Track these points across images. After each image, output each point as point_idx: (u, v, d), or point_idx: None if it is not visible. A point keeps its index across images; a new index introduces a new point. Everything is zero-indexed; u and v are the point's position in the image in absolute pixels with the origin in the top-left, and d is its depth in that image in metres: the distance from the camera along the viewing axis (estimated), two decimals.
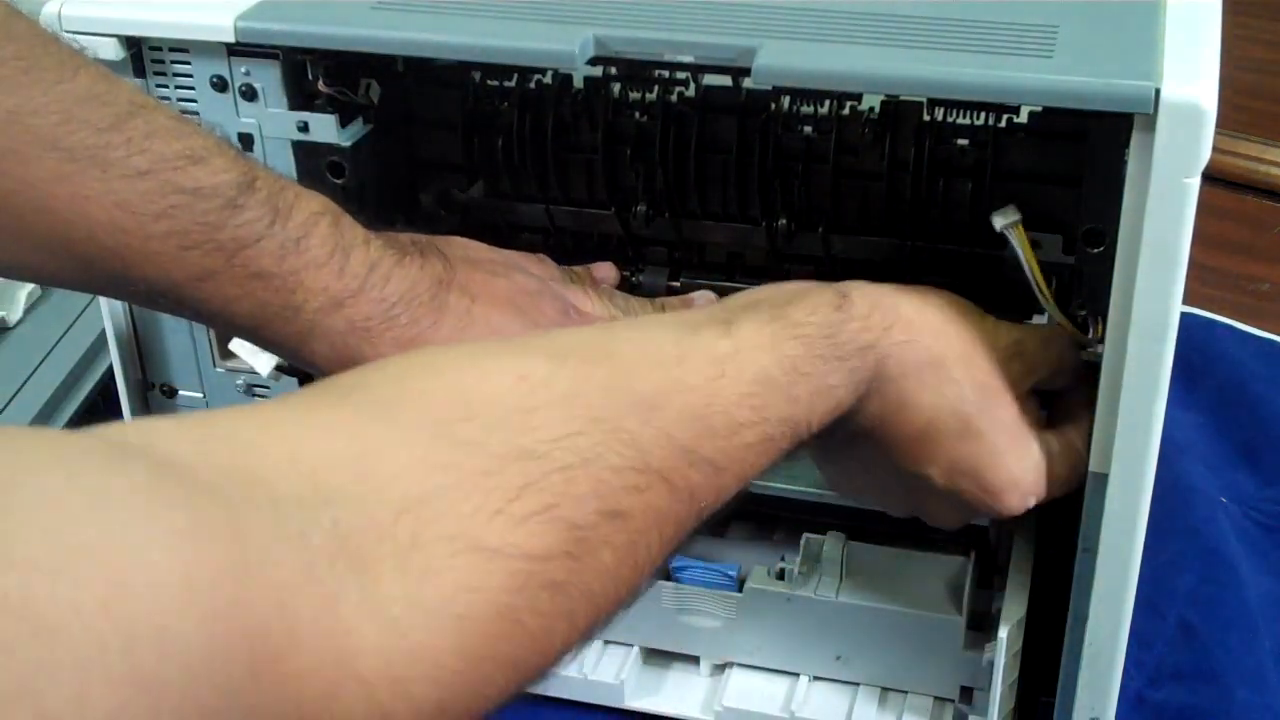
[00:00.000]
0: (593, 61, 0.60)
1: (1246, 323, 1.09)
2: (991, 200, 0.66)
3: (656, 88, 0.69)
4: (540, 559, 0.42)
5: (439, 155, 0.72)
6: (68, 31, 0.65)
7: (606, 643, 0.77)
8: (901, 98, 0.66)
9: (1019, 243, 0.62)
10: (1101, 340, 0.60)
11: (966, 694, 0.72)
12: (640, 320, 0.64)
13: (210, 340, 0.74)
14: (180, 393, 0.76)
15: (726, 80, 0.68)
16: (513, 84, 0.71)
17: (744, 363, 0.51)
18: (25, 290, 1.11)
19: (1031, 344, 0.61)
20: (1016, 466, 0.60)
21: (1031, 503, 0.61)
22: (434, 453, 0.42)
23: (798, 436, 0.52)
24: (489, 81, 0.71)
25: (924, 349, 0.57)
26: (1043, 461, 0.61)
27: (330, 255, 0.57)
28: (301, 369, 0.73)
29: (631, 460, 0.46)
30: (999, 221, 0.62)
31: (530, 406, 0.45)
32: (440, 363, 0.47)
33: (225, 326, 0.59)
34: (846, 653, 0.73)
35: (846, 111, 0.67)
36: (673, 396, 0.48)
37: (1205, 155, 0.53)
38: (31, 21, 0.55)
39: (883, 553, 0.72)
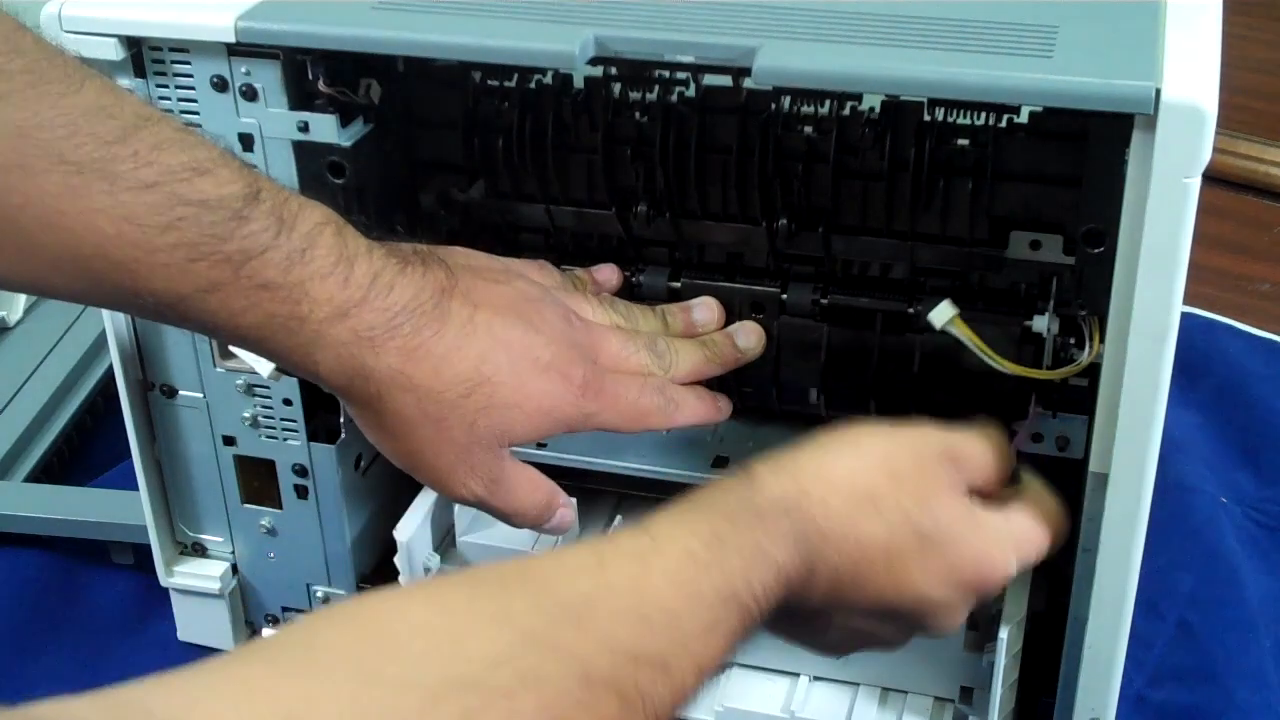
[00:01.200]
0: (593, 61, 0.60)
1: (1246, 323, 1.09)
2: (992, 200, 0.66)
3: (656, 88, 0.69)
4: None
5: (439, 155, 0.72)
6: (68, 32, 0.65)
7: None
8: (902, 98, 0.66)
9: (962, 334, 0.64)
10: (1101, 341, 0.60)
11: (966, 694, 0.72)
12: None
13: (210, 341, 0.74)
14: (180, 393, 0.76)
15: (726, 80, 0.68)
16: (513, 84, 0.71)
17: (664, 549, 0.50)
18: None
19: (963, 445, 0.59)
20: (988, 547, 0.58)
21: (1016, 568, 0.59)
22: (364, 703, 0.40)
23: (746, 613, 0.50)
24: (489, 81, 0.71)
25: (847, 487, 0.55)
26: (1009, 528, 0.59)
27: (334, 265, 0.57)
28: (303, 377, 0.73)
29: (575, 675, 0.44)
30: (937, 320, 0.64)
31: (458, 634, 0.43)
32: (351, 607, 0.45)
33: (231, 338, 0.59)
34: None
35: (846, 111, 0.67)
36: (601, 599, 0.47)
37: (1205, 155, 0.53)
38: (38, 35, 0.55)
39: None
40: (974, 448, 0.59)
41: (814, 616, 0.56)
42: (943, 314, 0.65)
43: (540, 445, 0.78)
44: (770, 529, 0.52)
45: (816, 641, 0.59)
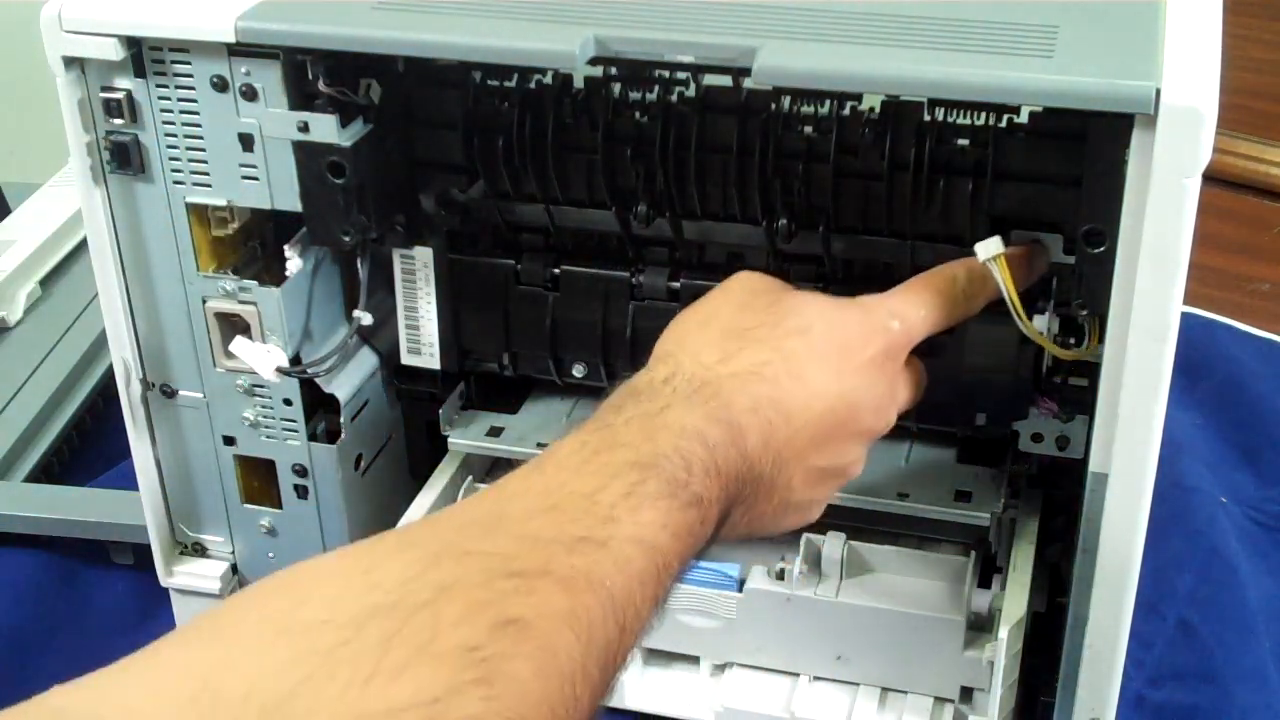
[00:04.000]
0: (593, 61, 0.60)
1: (1246, 323, 1.09)
2: (992, 200, 0.66)
3: (656, 88, 0.69)
4: (440, 699, 0.38)
5: (439, 155, 0.72)
6: (68, 32, 0.65)
7: None
8: (902, 98, 0.66)
9: (1000, 274, 0.62)
10: (1101, 340, 0.60)
11: (966, 694, 0.72)
12: None
13: (210, 341, 0.74)
14: (180, 393, 0.76)
15: (726, 80, 0.68)
16: (513, 84, 0.71)
17: (554, 452, 0.49)
18: (25, 290, 1.11)
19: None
20: (859, 311, 0.59)
21: (899, 325, 0.60)
22: (279, 650, 0.39)
23: (674, 482, 0.48)
24: (489, 81, 0.71)
25: (711, 335, 0.55)
26: (875, 298, 0.60)
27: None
28: (304, 376, 0.73)
29: (497, 570, 0.42)
30: (983, 252, 0.62)
31: (365, 568, 0.42)
32: (261, 580, 0.45)
33: None
34: (846, 653, 0.73)
35: (846, 111, 0.67)
36: (506, 507, 0.46)
37: (1205, 155, 0.53)
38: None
39: (883, 552, 0.72)
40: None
41: (771, 480, 0.54)
42: (990, 247, 0.62)
43: (541, 445, 0.78)
44: (656, 399, 0.52)
45: (794, 517, 0.58)
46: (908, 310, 0.60)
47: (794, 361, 0.55)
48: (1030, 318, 0.67)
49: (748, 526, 0.55)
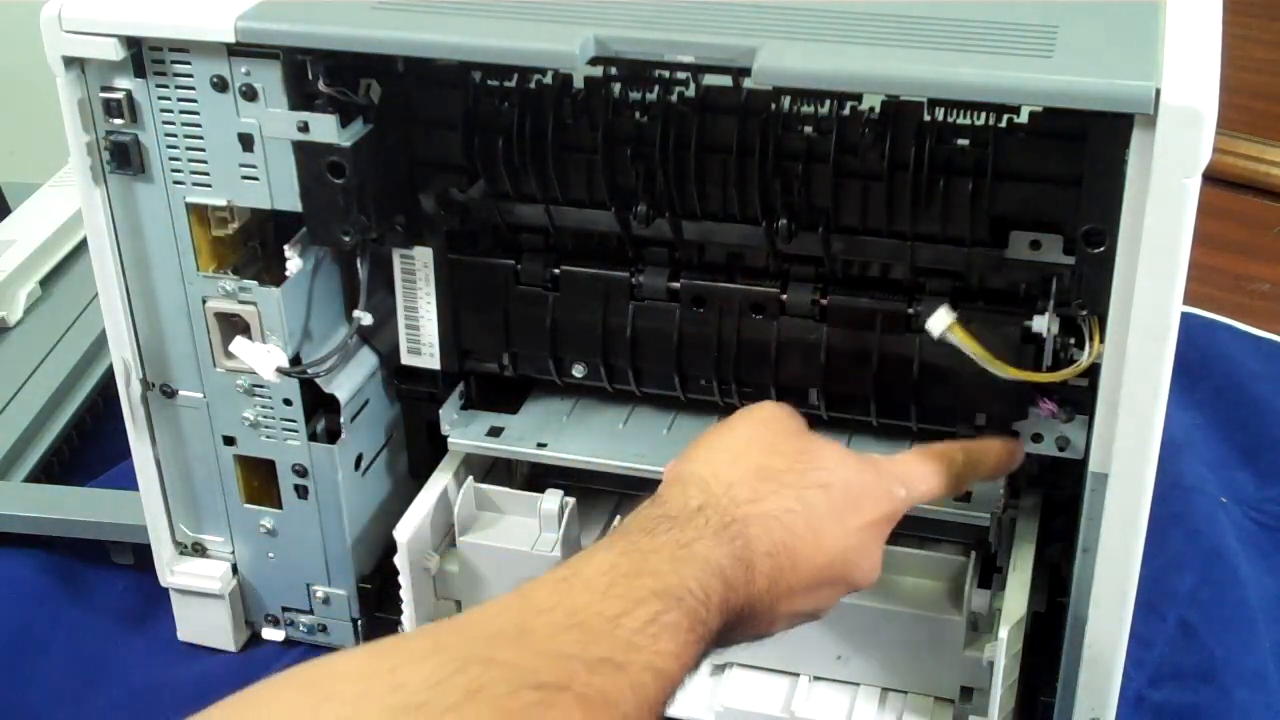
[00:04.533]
0: (593, 61, 0.60)
1: (1246, 323, 1.09)
2: (992, 200, 0.66)
3: (656, 88, 0.69)
4: None
5: (439, 155, 0.72)
6: (68, 32, 0.65)
7: None
8: (901, 98, 0.66)
9: (960, 340, 0.65)
10: (1102, 341, 0.60)
11: (966, 694, 0.72)
12: None
13: (210, 341, 0.74)
14: (180, 393, 0.76)
15: (726, 80, 0.68)
16: (513, 84, 0.71)
17: (584, 570, 0.51)
18: (25, 290, 1.11)
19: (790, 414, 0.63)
20: (876, 479, 0.61)
21: (905, 496, 0.62)
22: None
23: (690, 611, 0.51)
24: (489, 81, 0.71)
25: (741, 472, 0.57)
26: (889, 462, 0.62)
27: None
28: (304, 376, 0.73)
29: (522, 681, 0.44)
30: (935, 328, 0.65)
31: (392, 669, 0.44)
32: (292, 670, 0.45)
33: None
34: (846, 653, 0.73)
35: (846, 111, 0.67)
36: (533, 620, 0.48)
37: (1205, 155, 0.53)
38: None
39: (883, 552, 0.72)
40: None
41: (762, 616, 0.56)
42: (940, 321, 0.66)
43: (541, 445, 0.78)
44: (688, 528, 0.54)
45: (763, 636, 0.60)
46: (914, 481, 0.63)
47: (813, 514, 0.58)
48: (1031, 319, 0.67)
49: (727, 644, 0.57)
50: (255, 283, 0.72)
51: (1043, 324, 0.67)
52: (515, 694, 0.44)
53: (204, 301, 0.73)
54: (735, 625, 0.55)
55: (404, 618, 0.78)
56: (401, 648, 0.46)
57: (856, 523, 0.59)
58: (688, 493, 0.56)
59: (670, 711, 0.74)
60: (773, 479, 0.58)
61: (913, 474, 0.63)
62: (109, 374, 1.00)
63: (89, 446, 1.03)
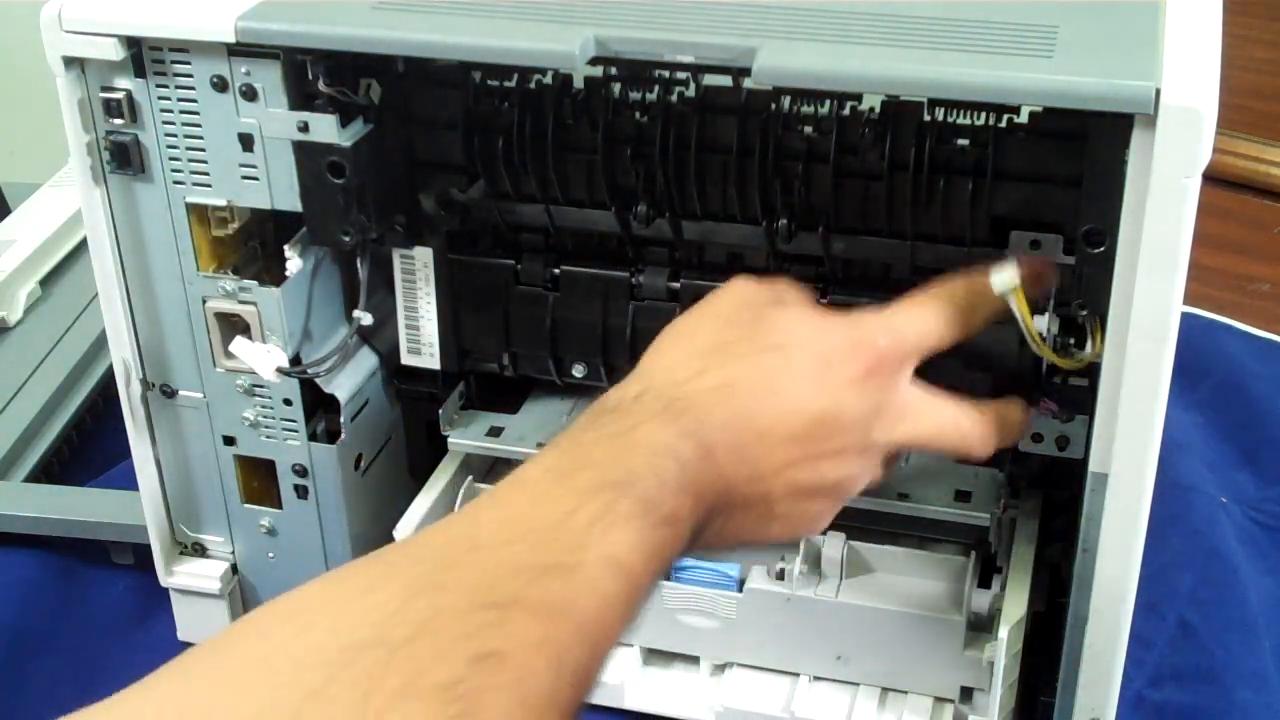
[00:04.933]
0: (593, 61, 0.60)
1: (1246, 323, 1.09)
2: (992, 200, 0.66)
3: (656, 88, 0.69)
4: None
5: (439, 155, 0.72)
6: (68, 32, 0.65)
7: None
8: (901, 98, 0.66)
9: (1018, 307, 0.61)
10: (1102, 340, 0.60)
11: (966, 694, 0.72)
12: None
13: (210, 341, 0.74)
14: (180, 393, 0.76)
15: (726, 80, 0.68)
16: (513, 84, 0.71)
17: (524, 476, 0.49)
18: (25, 290, 1.11)
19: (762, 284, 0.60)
20: (850, 328, 0.58)
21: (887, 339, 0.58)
22: (262, 691, 0.40)
23: (646, 502, 0.48)
24: (489, 81, 0.71)
25: (683, 353, 0.55)
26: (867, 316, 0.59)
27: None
28: (304, 376, 0.73)
29: (471, 603, 0.43)
30: (999, 285, 0.61)
31: (346, 601, 0.43)
32: (257, 609, 0.45)
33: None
34: (846, 653, 0.73)
35: (846, 111, 0.67)
36: (478, 534, 0.46)
37: (1205, 155, 0.53)
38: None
39: (883, 552, 0.72)
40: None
41: (747, 496, 0.53)
42: (1005, 279, 0.61)
43: (541, 445, 0.78)
44: (628, 416, 0.51)
45: (780, 529, 0.56)
46: (901, 326, 0.59)
47: (770, 376, 0.54)
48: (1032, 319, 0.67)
49: (733, 537, 0.54)
50: (255, 283, 0.72)
51: (1043, 324, 0.67)
52: (465, 617, 0.42)
53: (204, 301, 0.73)
54: (716, 507, 0.52)
55: None
56: (354, 578, 0.45)
57: (833, 379, 0.55)
58: (627, 385, 0.54)
59: (670, 711, 0.75)
60: (720, 351, 0.55)
61: (901, 322, 0.59)
62: (109, 374, 1.00)
63: (89, 446, 1.02)
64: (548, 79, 0.71)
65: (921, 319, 0.60)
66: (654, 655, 0.77)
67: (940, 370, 0.70)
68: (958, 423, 0.62)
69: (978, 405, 0.63)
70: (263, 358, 0.72)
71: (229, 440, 0.77)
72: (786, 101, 0.68)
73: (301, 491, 0.77)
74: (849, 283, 0.72)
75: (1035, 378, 0.70)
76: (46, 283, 1.14)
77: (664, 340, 0.57)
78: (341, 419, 0.76)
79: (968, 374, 0.70)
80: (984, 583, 0.74)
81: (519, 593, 0.44)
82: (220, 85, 0.67)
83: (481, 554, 0.45)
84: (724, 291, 0.60)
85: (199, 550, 0.81)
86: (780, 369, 0.55)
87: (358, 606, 0.43)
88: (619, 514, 0.47)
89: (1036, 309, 0.67)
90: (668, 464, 0.50)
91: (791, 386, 0.54)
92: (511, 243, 0.76)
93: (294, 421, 0.75)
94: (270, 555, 0.80)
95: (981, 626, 0.71)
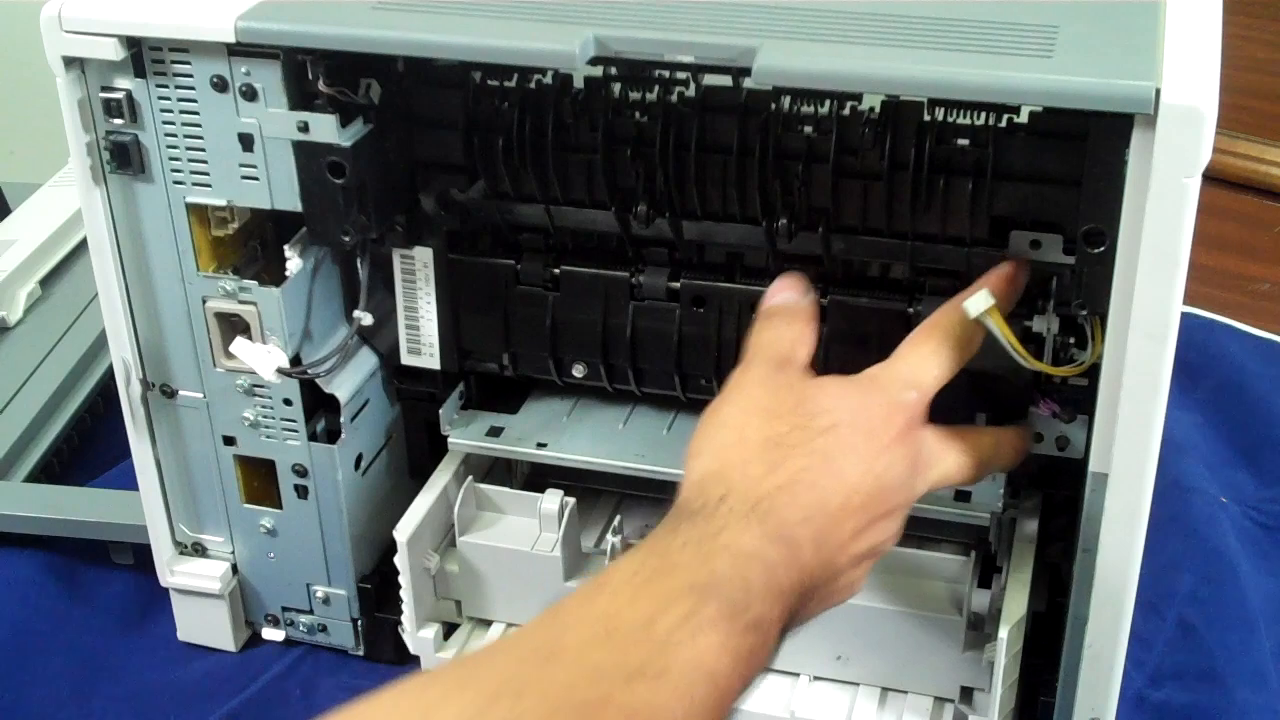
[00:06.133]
0: (593, 61, 0.60)
1: (1246, 323, 1.09)
2: (992, 200, 0.66)
3: (656, 88, 0.69)
4: None
5: (439, 155, 0.72)
6: (68, 32, 0.65)
7: None
8: (901, 98, 0.66)
9: (995, 325, 0.62)
10: (1102, 340, 0.60)
11: (966, 694, 0.72)
12: None
13: (211, 341, 0.74)
14: (180, 393, 0.76)
15: (726, 80, 0.68)
16: (513, 84, 0.71)
17: (608, 580, 0.49)
18: (25, 290, 1.11)
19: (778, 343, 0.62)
20: (885, 389, 0.59)
21: (916, 396, 0.60)
22: None
23: (732, 605, 0.48)
24: (489, 81, 0.71)
25: (750, 448, 0.55)
26: (895, 365, 0.61)
27: None
28: (304, 376, 0.73)
29: (556, 705, 0.42)
30: (973, 309, 0.62)
31: (423, 710, 0.42)
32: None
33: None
34: (846, 653, 0.73)
35: (846, 111, 0.67)
36: (562, 638, 0.46)
37: (1205, 155, 0.53)
38: None
39: None
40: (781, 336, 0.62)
41: (829, 581, 0.55)
42: (980, 303, 0.63)
43: (541, 445, 0.78)
44: (714, 519, 0.52)
45: (841, 598, 0.58)
46: (920, 375, 0.61)
47: (830, 461, 0.55)
48: (1031, 318, 0.67)
49: (809, 619, 0.56)
50: (255, 283, 0.72)
51: (1043, 324, 0.67)
52: (552, 718, 0.42)
53: (204, 301, 0.73)
54: (804, 601, 0.52)
55: (404, 618, 0.78)
56: (431, 688, 0.44)
57: (876, 447, 0.57)
58: (706, 487, 0.54)
59: None
60: (780, 444, 0.55)
61: (916, 369, 0.61)
62: (109, 374, 1.00)
63: (89, 446, 1.02)
64: (548, 79, 0.71)
65: (931, 361, 0.61)
66: None
67: (943, 390, 0.70)
68: (979, 453, 0.63)
69: (985, 432, 0.65)
70: (263, 358, 0.72)
71: (229, 440, 0.77)
72: (786, 101, 0.68)
73: (301, 491, 0.77)
74: (849, 282, 0.72)
75: (1035, 382, 0.70)
76: (46, 283, 1.14)
77: (718, 441, 0.57)
78: (341, 419, 0.76)
79: (969, 392, 0.70)
80: (984, 583, 0.74)
81: (608, 694, 0.44)
82: (220, 85, 0.67)
83: (565, 656, 0.45)
84: (748, 378, 0.60)
85: (199, 550, 0.81)
86: (837, 451, 0.56)
87: (439, 712, 0.42)
88: (705, 618, 0.47)
89: (1036, 310, 0.67)
90: (754, 568, 0.50)
91: (850, 465, 0.56)
92: (511, 243, 0.76)
93: (294, 421, 0.75)
94: (270, 555, 0.80)
95: (981, 626, 0.71)
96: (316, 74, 0.65)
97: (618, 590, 0.48)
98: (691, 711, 0.45)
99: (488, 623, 0.79)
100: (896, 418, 0.58)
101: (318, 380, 0.74)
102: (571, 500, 0.75)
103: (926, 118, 0.66)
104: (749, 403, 0.59)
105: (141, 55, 0.67)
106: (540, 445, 0.78)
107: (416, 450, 0.83)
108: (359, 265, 0.73)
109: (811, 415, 0.57)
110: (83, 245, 1.09)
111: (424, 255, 0.75)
